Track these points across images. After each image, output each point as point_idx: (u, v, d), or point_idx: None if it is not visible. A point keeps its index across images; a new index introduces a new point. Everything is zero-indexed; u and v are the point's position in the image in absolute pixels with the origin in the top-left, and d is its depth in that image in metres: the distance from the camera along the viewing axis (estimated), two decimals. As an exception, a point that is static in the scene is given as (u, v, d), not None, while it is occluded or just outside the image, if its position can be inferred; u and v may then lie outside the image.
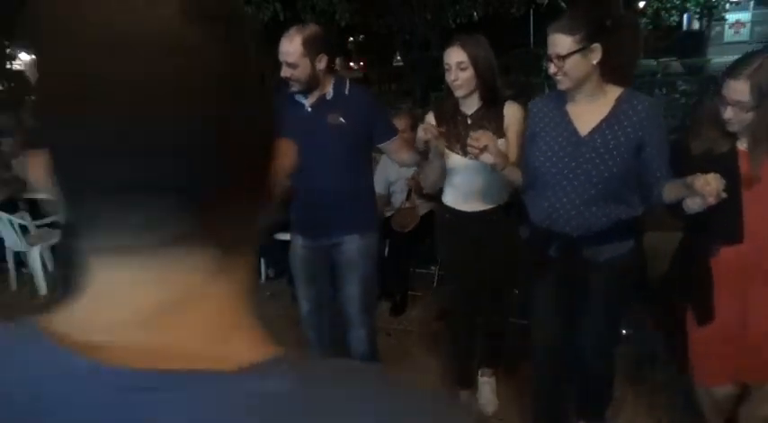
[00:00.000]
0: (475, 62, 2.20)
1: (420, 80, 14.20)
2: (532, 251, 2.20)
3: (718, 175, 1.64)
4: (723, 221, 1.82)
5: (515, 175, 2.15)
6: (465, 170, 2.34)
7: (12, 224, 4.41)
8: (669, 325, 2.18)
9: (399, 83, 18.09)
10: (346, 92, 2.37)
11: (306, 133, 2.37)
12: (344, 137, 2.34)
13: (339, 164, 2.39)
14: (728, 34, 21.86)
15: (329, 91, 2.34)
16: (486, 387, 2.81)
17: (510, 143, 2.28)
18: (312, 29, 2.31)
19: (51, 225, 4.77)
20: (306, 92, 2.34)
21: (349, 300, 2.56)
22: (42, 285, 4.47)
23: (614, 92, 1.98)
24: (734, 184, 1.73)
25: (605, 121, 1.95)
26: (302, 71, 2.26)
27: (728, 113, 1.78)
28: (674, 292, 2.13)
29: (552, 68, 1.92)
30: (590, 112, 1.98)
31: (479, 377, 2.83)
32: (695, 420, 2.26)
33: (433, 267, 3.91)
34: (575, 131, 2.00)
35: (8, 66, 16.64)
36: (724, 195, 1.62)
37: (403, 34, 15.72)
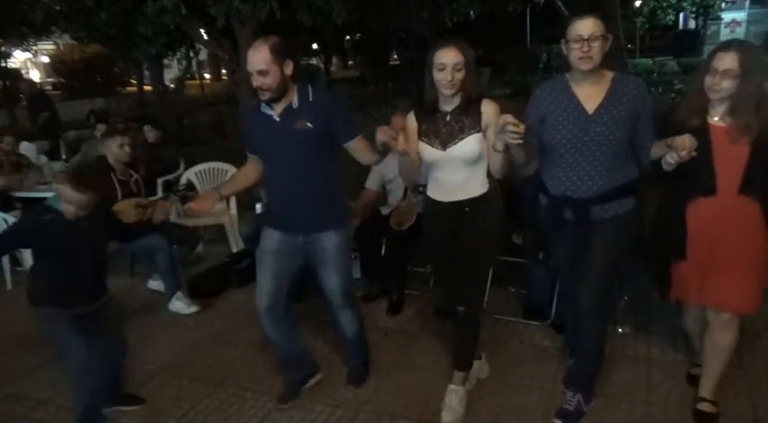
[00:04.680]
0: (468, 65, 2.32)
1: (416, 79, 14.19)
2: (549, 216, 2.48)
3: (692, 136, 2.04)
4: (699, 178, 2.22)
5: (521, 152, 2.27)
6: (444, 164, 2.43)
7: (6, 222, 4.40)
8: (658, 260, 2.50)
9: (396, 81, 18.10)
10: (311, 98, 2.52)
11: (278, 142, 2.53)
12: (313, 140, 2.50)
13: (310, 166, 2.54)
14: (724, 33, 21.89)
15: (294, 100, 2.49)
16: (453, 396, 2.62)
17: (490, 139, 2.33)
18: (275, 38, 2.45)
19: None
20: (276, 99, 2.46)
21: (331, 290, 2.73)
22: (38, 284, 4.45)
23: (608, 75, 2.32)
24: (706, 148, 2.15)
25: (606, 99, 2.29)
26: (273, 78, 2.40)
27: (715, 80, 2.13)
28: (658, 234, 2.48)
29: (585, 47, 2.17)
30: (593, 93, 2.30)
31: (449, 384, 2.66)
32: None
33: (429, 266, 3.90)
34: (583, 110, 2.30)
35: (2, 64, 16.55)
36: (694, 153, 2.02)
37: (399, 33, 15.73)
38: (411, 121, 2.49)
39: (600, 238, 2.37)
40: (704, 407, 2.49)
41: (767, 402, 2.57)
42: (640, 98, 2.30)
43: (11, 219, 4.43)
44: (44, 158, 6.62)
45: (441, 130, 2.40)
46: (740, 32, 21.53)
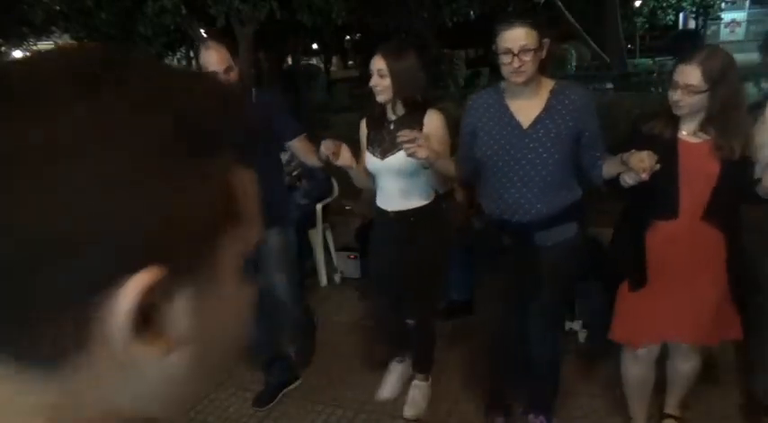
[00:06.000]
0: (392, 72, 2.25)
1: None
2: (486, 241, 2.29)
3: (651, 152, 1.78)
4: (661, 199, 1.99)
5: (449, 167, 2.27)
6: (386, 173, 2.42)
7: None
8: (610, 292, 2.30)
9: (396, 81, 18.11)
10: (253, 99, 2.55)
11: None
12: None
13: (254, 165, 2.51)
14: (724, 33, 21.95)
15: None
16: (416, 391, 2.74)
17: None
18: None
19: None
20: None
21: (278, 288, 2.74)
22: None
23: (548, 84, 2.09)
24: (672, 166, 1.92)
25: (544, 112, 2.06)
26: (236, 74, 2.45)
27: (677, 96, 1.91)
28: (612, 260, 2.28)
29: (516, 63, 1.94)
30: (529, 105, 2.08)
31: (412, 380, 2.79)
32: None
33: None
34: (517, 125, 2.08)
35: (3, 64, 16.56)
36: (657, 167, 1.76)
37: (399, 33, 15.73)
38: (363, 128, 2.50)
39: (544, 268, 2.16)
40: None
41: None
42: (584, 111, 2.05)
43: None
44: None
45: (384, 139, 2.38)
46: (740, 32, 21.57)
